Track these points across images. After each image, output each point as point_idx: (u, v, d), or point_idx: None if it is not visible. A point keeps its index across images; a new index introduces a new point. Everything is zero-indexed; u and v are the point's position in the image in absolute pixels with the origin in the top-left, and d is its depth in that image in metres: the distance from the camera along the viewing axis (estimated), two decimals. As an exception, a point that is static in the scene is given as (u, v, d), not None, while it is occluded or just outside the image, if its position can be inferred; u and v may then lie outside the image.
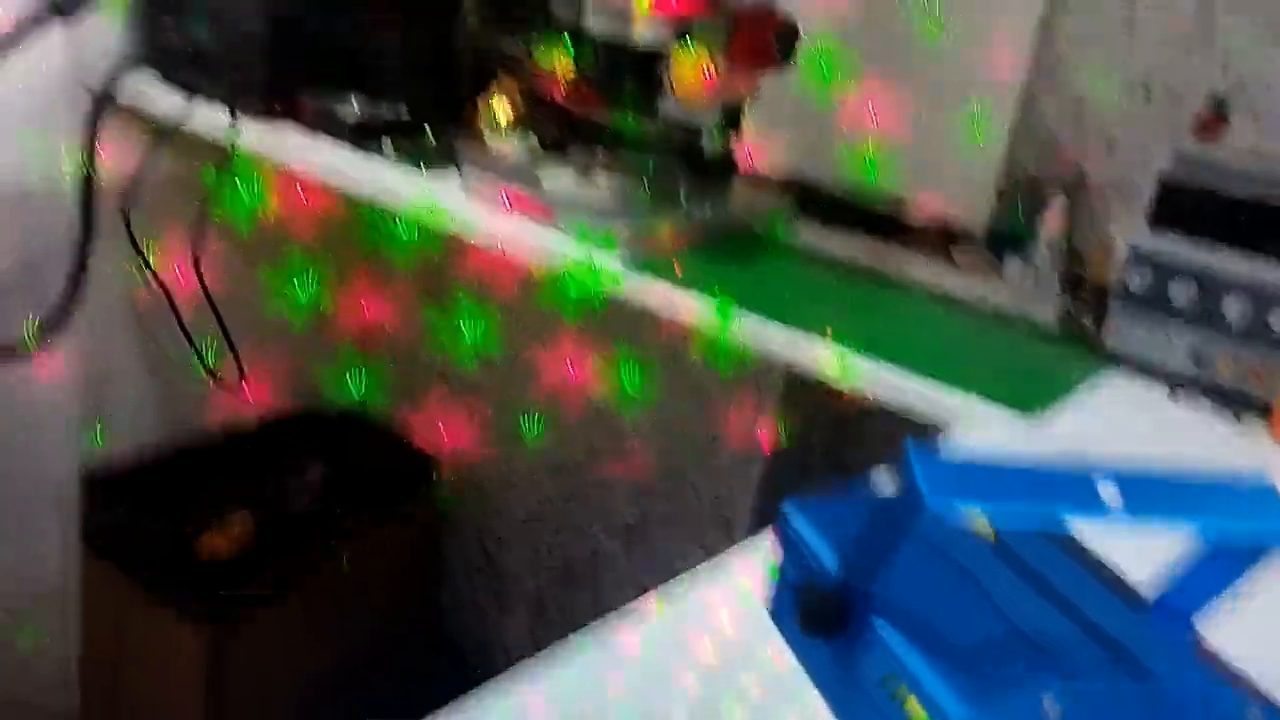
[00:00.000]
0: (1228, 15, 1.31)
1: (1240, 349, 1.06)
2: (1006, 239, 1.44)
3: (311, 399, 2.20)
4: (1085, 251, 1.33)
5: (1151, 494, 0.40)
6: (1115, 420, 1.04)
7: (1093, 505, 0.38)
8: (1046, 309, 1.30)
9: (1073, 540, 0.50)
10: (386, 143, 1.47)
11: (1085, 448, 0.95)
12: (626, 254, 1.25)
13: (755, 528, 1.78)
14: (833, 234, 1.47)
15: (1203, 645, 0.41)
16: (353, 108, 1.55)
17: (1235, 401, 1.06)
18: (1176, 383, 1.09)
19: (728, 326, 1.15)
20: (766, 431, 1.68)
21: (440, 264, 2.13)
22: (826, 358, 1.08)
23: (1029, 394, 1.03)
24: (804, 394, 1.68)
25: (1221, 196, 1.06)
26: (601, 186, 1.38)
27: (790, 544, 0.47)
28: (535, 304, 2.01)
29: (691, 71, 1.42)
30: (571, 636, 0.59)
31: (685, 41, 1.29)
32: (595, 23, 1.29)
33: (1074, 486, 0.39)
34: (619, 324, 1.92)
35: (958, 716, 0.36)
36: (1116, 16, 1.38)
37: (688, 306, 1.17)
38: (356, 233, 2.17)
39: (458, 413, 2.18)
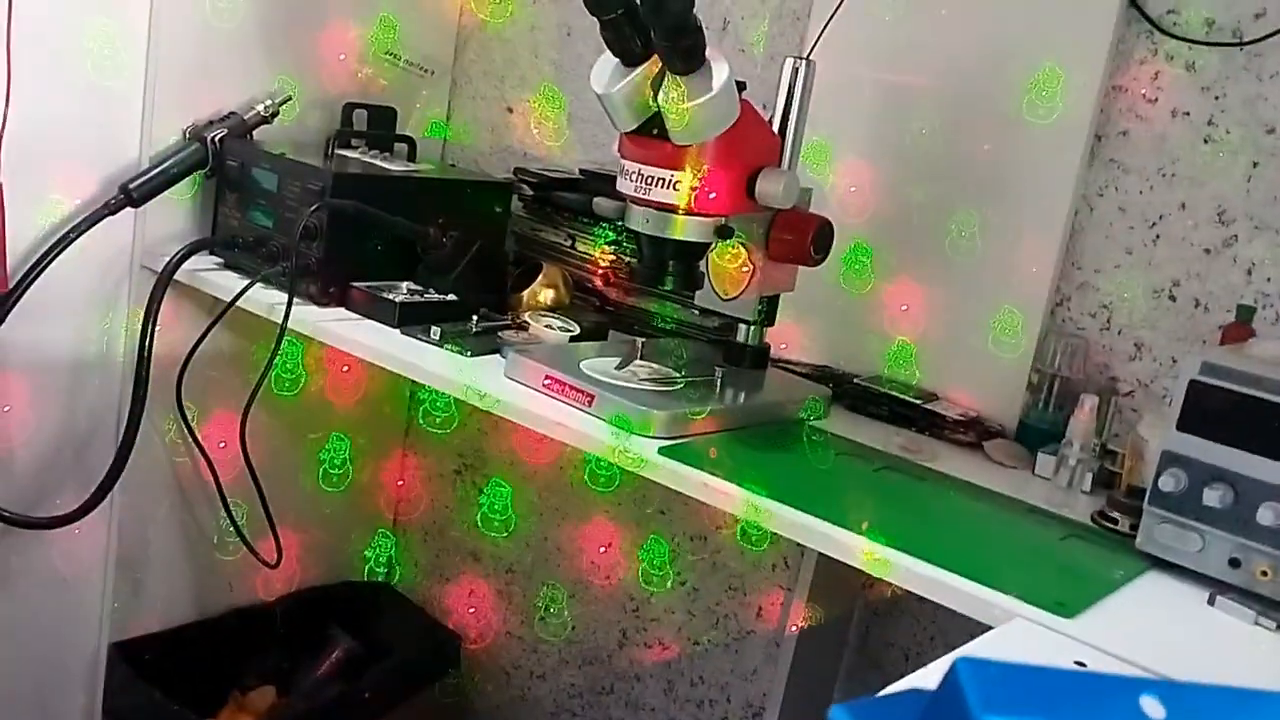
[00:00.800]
0: (1250, 225, 1.36)
1: (1277, 555, 1.06)
2: (1037, 435, 1.46)
3: (343, 573, 2.21)
4: (1118, 452, 1.34)
5: (1197, 707, 0.40)
6: (1154, 624, 1.04)
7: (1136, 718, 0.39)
8: (1079, 506, 1.30)
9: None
10: (434, 329, 1.52)
11: (1123, 652, 0.95)
12: (663, 440, 1.28)
13: (788, 715, 1.75)
14: (867, 425, 1.49)
15: None
16: (403, 293, 1.61)
17: (1275, 608, 1.05)
18: (1215, 588, 1.09)
19: (759, 515, 1.16)
20: (797, 615, 1.67)
21: (480, 446, 2.17)
22: (861, 550, 1.09)
23: (1068, 594, 1.03)
24: (836, 578, 1.67)
25: (1250, 401, 1.07)
26: (640, 373, 1.42)
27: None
28: (567, 484, 2.03)
29: (731, 266, 1.48)
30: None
31: (725, 237, 1.35)
32: (637, 217, 1.35)
33: (1119, 699, 0.39)
34: (650, 507, 1.93)
35: None
36: (1142, 224, 1.43)
37: (721, 493, 1.19)
38: (394, 408, 2.22)
39: (487, 592, 2.18)
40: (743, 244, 1.46)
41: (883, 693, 0.54)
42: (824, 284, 1.58)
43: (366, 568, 2.26)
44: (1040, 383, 1.46)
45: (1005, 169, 1.50)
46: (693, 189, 1.29)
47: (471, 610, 2.20)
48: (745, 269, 1.47)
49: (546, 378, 1.38)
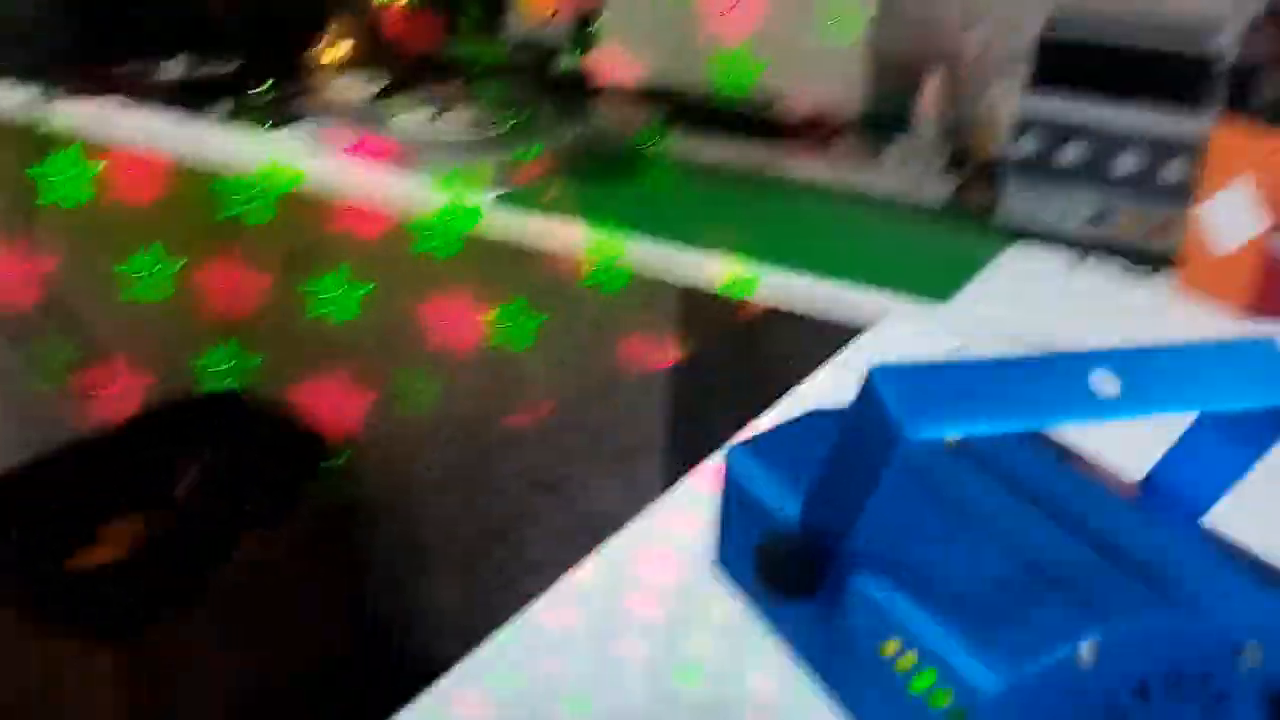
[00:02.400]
0: None
1: (1138, 204, 1.03)
2: (883, 124, 1.39)
3: (183, 388, 2.07)
4: (968, 128, 1.28)
5: (1149, 371, 0.34)
6: (1031, 294, 1.01)
7: (1088, 401, 0.32)
8: (934, 190, 1.25)
9: (1039, 435, 0.45)
10: (222, 103, 1.35)
11: (1007, 327, 0.91)
12: (495, 188, 1.17)
13: (671, 456, 1.73)
14: (707, 142, 1.40)
15: (1232, 547, 0.36)
16: (175, 69, 1.43)
17: (1142, 258, 1.03)
18: (1081, 247, 1.06)
19: (613, 251, 1.08)
20: (667, 353, 1.63)
21: (302, 228, 2.00)
22: (724, 273, 1.02)
23: (937, 280, 0.99)
24: (701, 310, 1.62)
25: (1103, 51, 1.02)
26: (455, 121, 1.29)
27: (740, 493, 0.41)
28: (409, 257, 1.90)
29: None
30: (506, 623, 0.53)
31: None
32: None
33: (1063, 381, 0.33)
34: (501, 264, 1.83)
35: (987, 685, 0.30)
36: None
37: (568, 236, 1.10)
38: (208, 205, 2.03)
39: (345, 385, 2.08)
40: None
41: (774, 422, 0.47)
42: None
43: (209, 381, 2.13)
44: (880, 71, 1.38)
45: None
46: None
47: (331, 407, 2.10)
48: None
49: (354, 141, 1.25)
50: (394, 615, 2.26)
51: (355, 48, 1.54)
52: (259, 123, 1.33)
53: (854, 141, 1.38)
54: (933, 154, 1.28)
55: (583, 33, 1.39)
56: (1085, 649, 0.30)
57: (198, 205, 2.00)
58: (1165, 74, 0.99)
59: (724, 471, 0.42)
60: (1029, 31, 1.32)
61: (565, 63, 1.43)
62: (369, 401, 2.06)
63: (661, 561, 0.55)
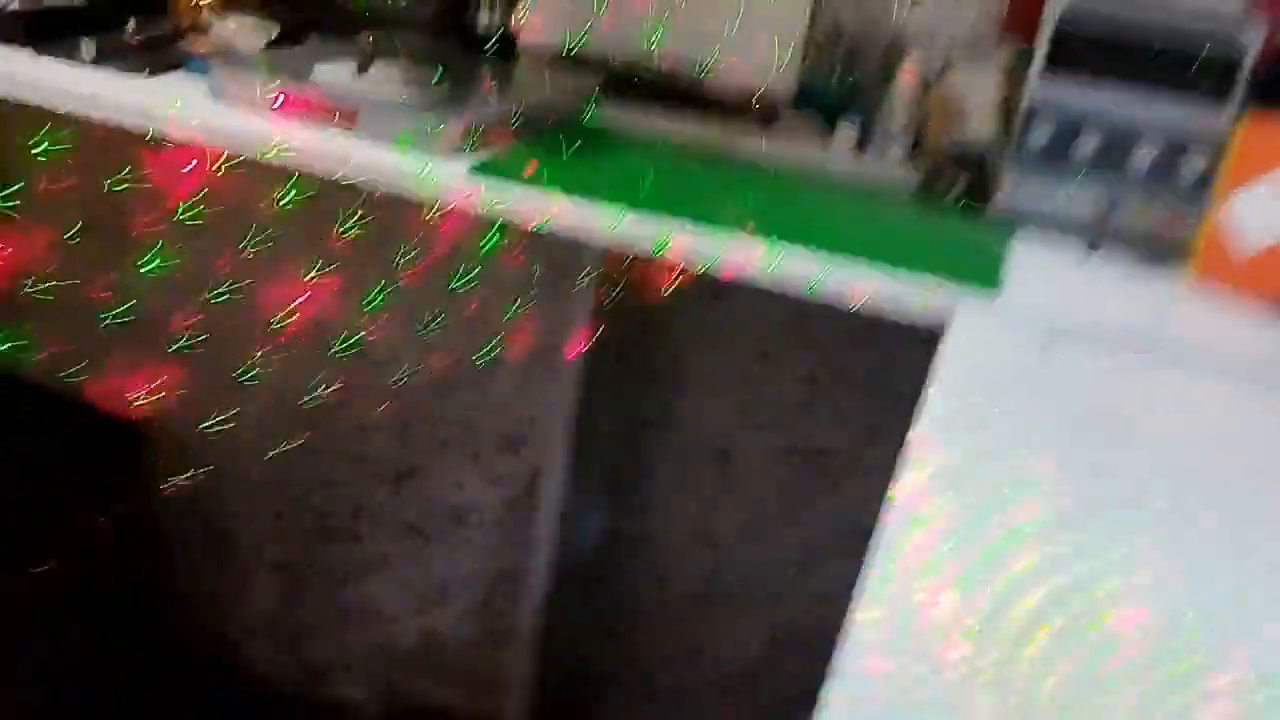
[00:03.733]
0: None
1: (1151, 197, 1.03)
2: (826, 103, 1.34)
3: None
4: (926, 111, 1.25)
5: None
6: (1074, 284, 0.98)
7: None
8: (899, 174, 1.21)
9: None
10: (85, 43, 1.13)
11: (1079, 319, 0.88)
12: (465, 157, 1.03)
13: (565, 446, 1.62)
14: (643, 115, 1.31)
15: None
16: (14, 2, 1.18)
17: (1152, 249, 1.03)
18: (1091, 238, 1.04)
19: (614, 230, 0.97)
20: (572, 339, 1.52)
21: (98, 185, 1.71)
22: (757, 258, 0.93)
23: (981, 271, 0.95)
24: (603, 298, 1.53)
25: (1123, 38, 1.00)
26: (386, 78, 1.13)
27: None
28: (233, 216, 1.66)
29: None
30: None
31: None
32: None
33: None
34: (347, 227, 1.64)
35: None
36: None
37: (574, 215, 0.98)
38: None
39: (159, 367, 1.82)
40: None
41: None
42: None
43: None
44: (826, 44, 1.33)
45: None
46: None
47: (142, 390, 1.84)
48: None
49: (280, 94, 1.07)
50: (204, 620, 2.03)
51: (231, -13, 1.33)
52: (135, 69, 1.13)
53: (795, 120, 1.32)
54: (897, 138, 1.24)
55: (507, -13, 1.26)
56: None
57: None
58: (1189, 67, 0.99)
59: None
60: (970, 14, 1.32)
61: (485, 19, 1.29)
62: (191, 388, 1.82)
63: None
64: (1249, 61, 0.97)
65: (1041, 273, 0.99)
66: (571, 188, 0.99)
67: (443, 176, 0.99)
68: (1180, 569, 0.76)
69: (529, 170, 1.02)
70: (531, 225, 0.98)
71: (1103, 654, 0.77)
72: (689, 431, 1.63)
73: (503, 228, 0.98)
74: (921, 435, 0.80)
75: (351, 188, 1.04)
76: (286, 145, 1.03)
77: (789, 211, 1.07)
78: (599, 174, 1.08)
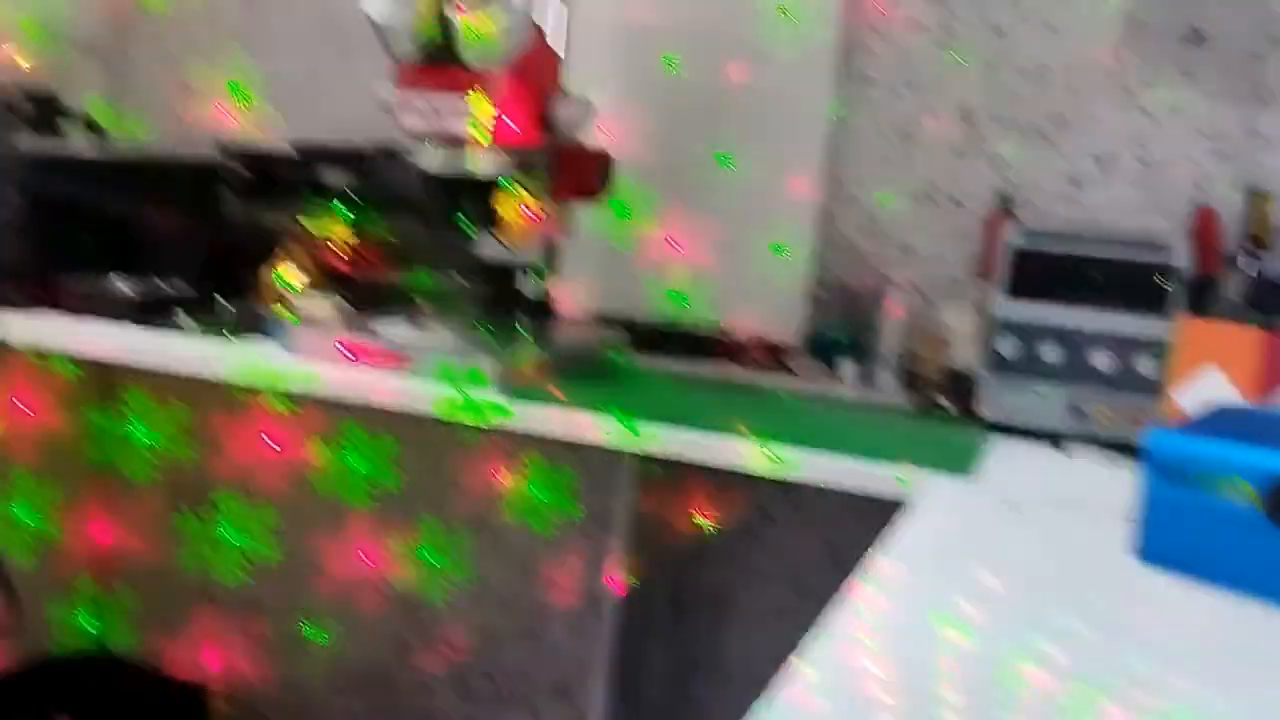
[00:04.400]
0: (992, 124, 1.46)
1: (1112, 397, 1.14)
2: (826, 346, 1.49)
3: (45, 647, 1.89)
4: (915, 345, 1.40)
5: None
6: (1034, 471, 1.08)
7: None
8: (895, 398, 1.34)
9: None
10: (181, 316, 1.33)
11: (1025, 496, 0.98)
12: (501, 385, 1.18)
13: (612, 691, 1.68)
14: (665, 360, 1.47)
15: None
16: (125, 287, 1.40)
17: (1118, 447, 1.13)
18: (1060, 439, 1.15)
19: (643, 441, 1.10)
20: (609, 579, 1.61)
21: (190, 466, 1.90)
22: (756, 454, 1.06)
23: (955, 460, 1.06)
24: (647, 533, 1.63)
25: (1071, 260, 1.15)
26: (438, 333, 1.31)
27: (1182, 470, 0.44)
28: (309, 493, 1.83)
29: (514, 210, 1.40)
30: None
31: (530, 168, 1.28)
32: (428, 154, 1.26)
33: None
34: (416, 500, 1.79)
35: None
36: (894, 133, 1.51)
37: (595, 427, 1.11)
38: (85, 442, 1.92)
39: (230, 633, 1.94)
40: (522, 184, 1.39)
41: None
42: (590, 230, 1.54)
43: (73, 638, 1.94)
44: (828, 296, 1.50)
45: (761, 96, 1.52)
46: (492, 119, 1.21)
47: (215, 660, 1.95)
48: (532, 211, 1.40)
49: (344, 345, 1.25)
50: None
51: (309, 272, 1.55)
52: (222, 333, 1.32)
53: (810, 361, 1.47)
54: (892, 368, 1.38)
55: (548, 260, 1.45)
56: None
57: (81, 446, 1.89)
58: (1130, 283, 1.13)
59: (1150, 463, 0.46)
60: (954, 264, 1.49)
61: (531, 286, 1.48)
62: (258, 652, 1.93)
63: None
64: (1180, 276, 1.11)
65: (1011, 462, 1.09)
66: (598, 407, 1.13)
67: (482, 404, 1.14)
68: None
69: (560, 395, 1.17)
70: (562, 435, 1.12)
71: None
72: (737, 670, 1.69)
73: (539, 449, 1.11)
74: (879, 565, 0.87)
75: (401, 421, 1.19)
76: (362, 385, 1.19)
77: (792, 425, 1.20)
78: (629, 402, 1.23)
